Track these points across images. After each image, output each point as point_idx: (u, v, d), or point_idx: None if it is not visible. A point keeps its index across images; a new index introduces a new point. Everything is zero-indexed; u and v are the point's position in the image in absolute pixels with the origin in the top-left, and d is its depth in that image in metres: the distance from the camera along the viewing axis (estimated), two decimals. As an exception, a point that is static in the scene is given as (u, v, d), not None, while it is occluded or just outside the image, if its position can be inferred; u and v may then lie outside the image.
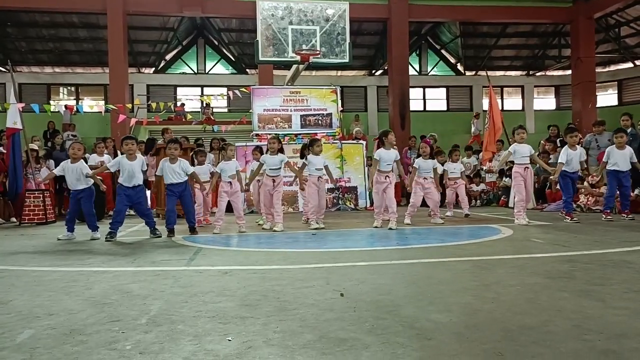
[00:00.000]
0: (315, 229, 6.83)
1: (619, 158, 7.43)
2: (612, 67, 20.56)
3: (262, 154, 7.55)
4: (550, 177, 8.22)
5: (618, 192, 7.68)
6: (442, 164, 9.01)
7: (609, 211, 7.47)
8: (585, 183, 9.34)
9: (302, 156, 7.37)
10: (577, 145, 7.69)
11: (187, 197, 6.69)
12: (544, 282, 3.17)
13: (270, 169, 7.07)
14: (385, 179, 6.86)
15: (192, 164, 7.49)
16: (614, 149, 7.54)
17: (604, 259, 4.03)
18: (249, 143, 10.88)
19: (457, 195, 8.78)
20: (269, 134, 10.50)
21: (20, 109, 9.01)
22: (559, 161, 7.50)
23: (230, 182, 6.87)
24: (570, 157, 7.40)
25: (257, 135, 11.10)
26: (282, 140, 10.79)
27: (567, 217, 7.30)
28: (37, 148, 9.95)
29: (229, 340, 2.14)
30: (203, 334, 2.24)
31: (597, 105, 17.34)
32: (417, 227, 7.11)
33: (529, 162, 7.32)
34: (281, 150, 7.23)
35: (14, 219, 9.27)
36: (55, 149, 11.53)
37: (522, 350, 1.97)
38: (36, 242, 6.11)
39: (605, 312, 2.47)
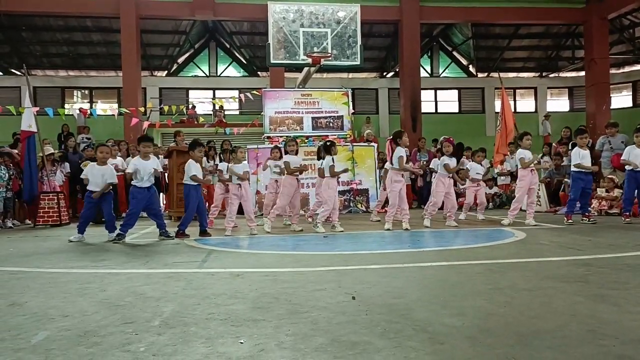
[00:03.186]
0: (319, 231, 6.88)
1: (637, 157, 7.33)
2: (627, 69, 20.34)
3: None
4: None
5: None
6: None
7: (627, 213, 7.39)
8: (598, 190, 9.24)
9: (319, 158, 7.54)
10: (587, 147, 7.64)
11: (201, 200, 6.76)
12: (558, 286, 3.14)
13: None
14: (402, 176, 7.24)
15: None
16: (633, 148, 7.43)
17: (618, 262, 3.98)
18: (261, 146, 10.92)
19: (476, 197, 8.77)
20: (280, 137, 10.58)
21: (35, 113, 9.13)
22: (578, 162, 7.41)
23: (239, 185, 6.91)
24: (582, 157, 7.41)
25: (268, 137, 11.14)
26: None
27: (565, 218, 7.44)
28: (53, 151, 10.06)
29: (241, 343, 2.15)
30: (215, 336, 2.24)
31: (612, 107, 17.13)
32: (429, 229, 7.08)
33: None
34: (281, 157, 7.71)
35: (28, 221, 9.38)
36: (68, 152, 11.65)
37: (536, 355, 1.95)
38: (50, 243, 6.18)
39: (621, 316, 2.43)
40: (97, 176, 6.48)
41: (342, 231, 6.87)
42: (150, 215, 6.67)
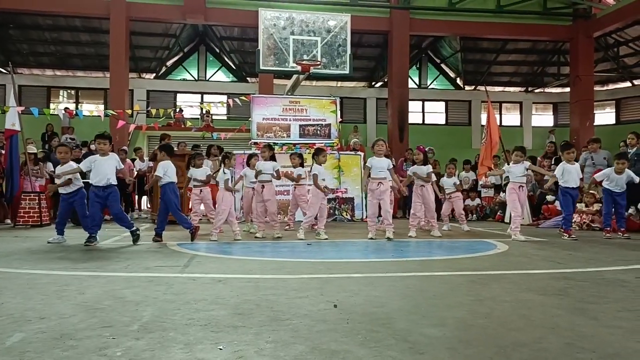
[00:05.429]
0: (302, 239, 6.85)
1: (615, 182, 7.48)
2: (611, 86, 20.70)
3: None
4: (545, 185, 8.50)
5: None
6: (438, 176, 9.02)
7: (608, 229, 7.49)
8: (578, 205, 9.34)
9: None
10: (574, 162, 7.72)
11: (171, 201, 6.58)
12: (538, 299, 3.17)
13: (263, 174, 7.30)
14: (378, 185, 6.98)
15: (188, 168, 7.52)
16: (613, 173, 7.53)
17: (598, 277, 4.02)
18: (247, 151, 10.89)
19: (454, 209, 8.77)
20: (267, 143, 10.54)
21: (19, 112, 9.01)
22: (554, 174, 7.65)
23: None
24: (567, 172, 7.43)
25: (255, 143, 11.11)
26: (280, 148, 10.97)
27: (565, 234, 7.32)
28: (35, 150, 9.94)
29: (220, 349, 2.13)
30: (194, 342, 2.22)
31: (595, 124, 17.42)
32: (413, 239, 7.11)
33: (524, 181, 7.51)
34: (273, 158, 7.46)
35: (8, 221, 9.23)
36: (52, 152, 11.51)
37: (514, 366, 1.96)
38: (30, 244, 6.08)
39: (598, 330, 2.46)
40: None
41: (326, 239, 6.86)
42: (114, 218, 6.47)
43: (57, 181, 6.39)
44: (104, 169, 6.13)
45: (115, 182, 6.28)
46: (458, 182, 9.09)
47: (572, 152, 7.66)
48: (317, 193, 7.12)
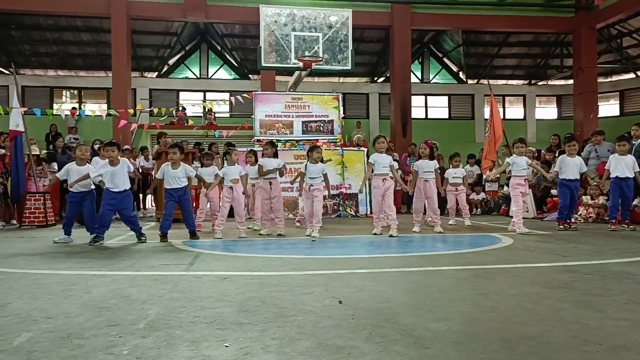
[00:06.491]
0: (309, 235, 6.81)
1: (621, 165, 7.46)
2: (614, 78, 20.57)
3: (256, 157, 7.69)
4: (550, 175, 8.54)
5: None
6: (442, 170, 8.98)
7: (613, 221, 7.48)
8: (584, 197, 9.31)
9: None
10: (576, 155, 7.74)
11: (187, 202, 6.65)
12: (543, 292, 3.16)
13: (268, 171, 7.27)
14: (383, 182, 6.93)
15: (201, 166, 7.55)
16: (615, 156, 7.57)
17: (604, 269, 4.01)
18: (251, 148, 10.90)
19: (458, 202, 8.74)
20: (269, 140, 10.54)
21: (22, 112, 9.04)
22: (554, 169, 7.70)
23: (231, 187, 6.88)
24: (564, 164, 7.55)
25: (258, 140, 11.12)
26: (284, 145, 10.98)
27: (561, 225, 7.49)
28: (37, 152, 9.96)
29: (226, 346, 2.14)
30: (200, 339, 2.23)
31: (599, 116, 17.34)
32: (417, 235, 7.10)
33: (527, 174, 7.53)
34: (275, 155, 7.42)
35: (14, 221, 9.27)
36: (57, 152, 11.55)
37: (520, 360, 1.97)
38: (36, 244, 6.11)
39: (604, 323, 2.46)
40: (76, 176, 6.41)
41: (309, 235, 6.73)
42: (123, 220, 6.49)
43: (73, 188, 6.42)
44: (118, 178, 6.26)
45: (129, 186, 6.45)
46: (465, 174, 9.09)
47: (573, 145, 7.77)
48: (306, 192, 7.09)
